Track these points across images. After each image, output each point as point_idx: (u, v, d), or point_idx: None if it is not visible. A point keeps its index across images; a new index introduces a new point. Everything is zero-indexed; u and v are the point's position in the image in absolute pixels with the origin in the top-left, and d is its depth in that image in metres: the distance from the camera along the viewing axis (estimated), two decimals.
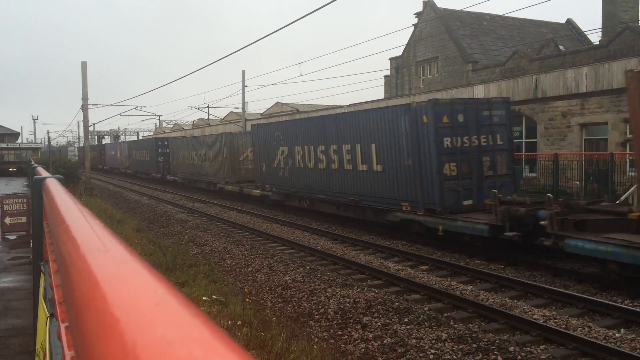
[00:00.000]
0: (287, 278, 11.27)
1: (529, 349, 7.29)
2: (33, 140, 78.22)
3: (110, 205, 26.32)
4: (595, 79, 18.51)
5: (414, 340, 7.66)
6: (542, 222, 10.98)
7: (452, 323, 8.34)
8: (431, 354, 7.26)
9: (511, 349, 7.19)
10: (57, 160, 38.83)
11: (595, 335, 7.71)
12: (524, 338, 7.74)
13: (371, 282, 11.05)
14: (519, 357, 7.00)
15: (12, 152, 51.80)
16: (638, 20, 28.27)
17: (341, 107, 31.78)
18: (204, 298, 8.99)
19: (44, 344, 2.99)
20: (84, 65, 29.57)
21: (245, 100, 37.01)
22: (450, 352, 7.26)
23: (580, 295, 9.51)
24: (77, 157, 62.91)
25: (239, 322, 7.77)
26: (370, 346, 7.65)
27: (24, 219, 12.94)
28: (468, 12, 33.20)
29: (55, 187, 3.26)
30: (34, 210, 5.52)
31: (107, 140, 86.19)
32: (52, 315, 2.79)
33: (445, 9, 35.14)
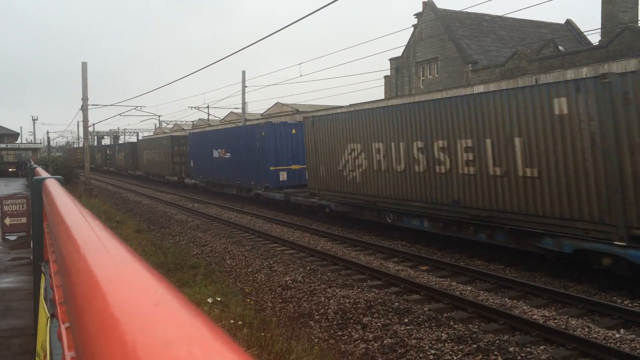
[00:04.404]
0: (287, 278, 11.27)
1: (528, 349, 7.30)
2: (32, 141, 78.06)
3: (110, 206, 26.32)
4: None
5: (414, 341, 7.67)
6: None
7: (452, 323, 8.34)
8: (431, 354, 7.27)
9: (511, 349, 7.20)
10: (56, 160, 38.82)
11: (595, 335, 7.71)
12: (524, 338, 7.74)
13: (371, 283, 11.05)
14: (519, 357, 7.01)
15: (11, 153, 51.68)
16: (637, 21, 28.27)
17: (341, 107, 31.78)
18: (208, 300, 8.98)
19: (45, 344, 2.99)
20: (84, 65, 29.54)
21: (245, 101, 37.03)
22: (450, 352, 7.26)
23: (580, 295, 9.52)
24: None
25: (240, 323, 7.76)
26: (370, 346, 7.66)
27: (24, 220, 12.92)
28: (468, 13, 33.22)
29: (54, 188, 3.26)
30: (33, 210, 5.51)
31: (106, 140, 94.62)
32: (53, 315, 2.80)
33: (445, 10, 35.15)
